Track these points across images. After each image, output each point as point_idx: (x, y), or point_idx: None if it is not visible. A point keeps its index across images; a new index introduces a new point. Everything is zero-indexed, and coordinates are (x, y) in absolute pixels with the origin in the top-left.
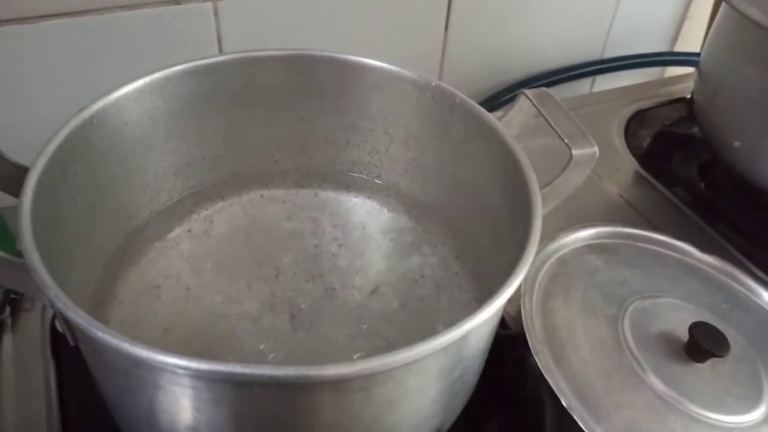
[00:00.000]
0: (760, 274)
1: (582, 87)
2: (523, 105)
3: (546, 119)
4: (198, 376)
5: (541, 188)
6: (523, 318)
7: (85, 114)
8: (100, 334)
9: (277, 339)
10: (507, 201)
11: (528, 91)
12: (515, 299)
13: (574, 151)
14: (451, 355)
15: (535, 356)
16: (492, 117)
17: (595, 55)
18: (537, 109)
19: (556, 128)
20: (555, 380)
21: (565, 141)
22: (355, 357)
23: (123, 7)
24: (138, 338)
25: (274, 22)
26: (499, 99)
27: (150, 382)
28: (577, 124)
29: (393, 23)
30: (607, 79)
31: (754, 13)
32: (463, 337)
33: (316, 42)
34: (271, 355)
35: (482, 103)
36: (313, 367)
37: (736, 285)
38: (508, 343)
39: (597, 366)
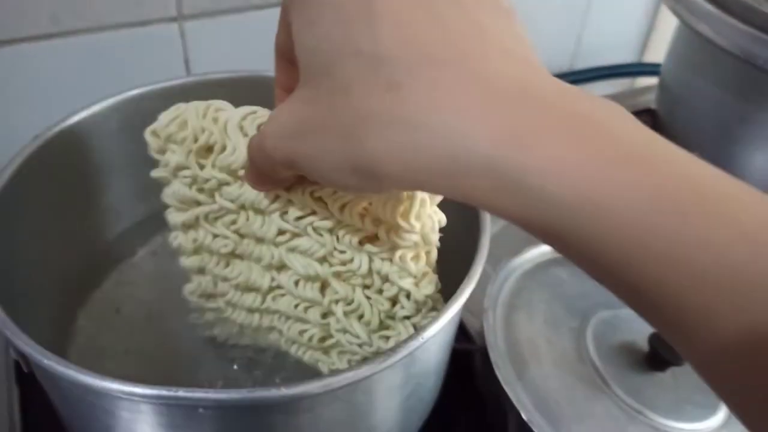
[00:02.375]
0: None
1: None
2: None
3: None
4: (144, 401)
5: None
6: (485, 333)
7: (40, 141)
8: (45, 361)
9: (239, 362)
10: (459, 216)
11: None
12: (479, 312)
13: None
14: (397, 373)
15: (496, 371)
16: None
17: (564, 67)
18: None
19: None
20: (516, 394)
21: None
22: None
23: (87, 30)
24: (99, 360)
25: (242, 43)
26: None
27: (101, 407)
28: None
29: None
30: None
31: (705, 30)
32: (409, 355)
33: None
34: (230, 376)
35: None
36: (256, 390)
37: None
38: (472, 357)
39: (559, 379)
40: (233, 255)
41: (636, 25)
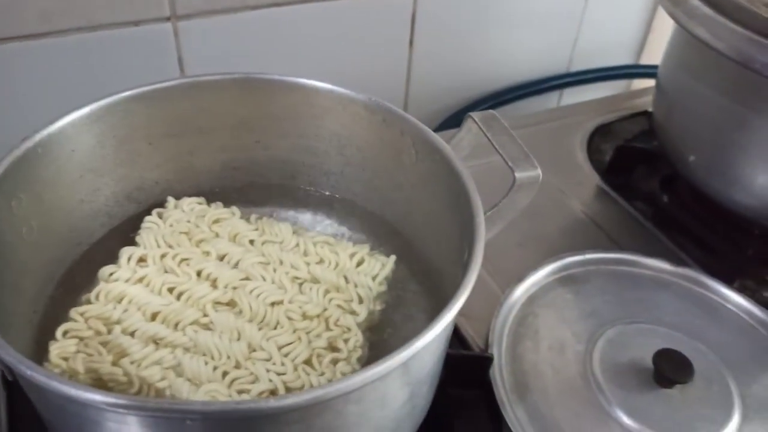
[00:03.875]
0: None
1: (550, 100)
2: (471, 127)
3: (491, 142)
4: (131, 413)
5: (486, 211)
6: (491, 371)
7: (29, 144)
8: (29, 372)
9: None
10: (456, 223)
11: (475, 114)
12: (478, 317)
13: (517, 174)
14: (390, 382)
15: (502, 410)
16: (441, 140)
17: (561, 69)
18: (483, 132)
19: (500, 151)
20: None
21: (509, 164)
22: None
23: (80, 29)
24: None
25: (236, 42)
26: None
27: (87, 418)
28: (521, 147)
29: (358, 40)
30: (575, 92)
31: (702, 33)
32: (402, 365)
33: (280, 62)
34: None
35: (455, 116)
36: (245, 402)
37: (710, 295)
38: (472, 365)
39: (565, 406)
40: None
41: (633, 27)
